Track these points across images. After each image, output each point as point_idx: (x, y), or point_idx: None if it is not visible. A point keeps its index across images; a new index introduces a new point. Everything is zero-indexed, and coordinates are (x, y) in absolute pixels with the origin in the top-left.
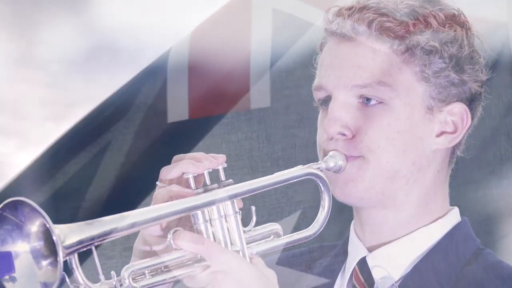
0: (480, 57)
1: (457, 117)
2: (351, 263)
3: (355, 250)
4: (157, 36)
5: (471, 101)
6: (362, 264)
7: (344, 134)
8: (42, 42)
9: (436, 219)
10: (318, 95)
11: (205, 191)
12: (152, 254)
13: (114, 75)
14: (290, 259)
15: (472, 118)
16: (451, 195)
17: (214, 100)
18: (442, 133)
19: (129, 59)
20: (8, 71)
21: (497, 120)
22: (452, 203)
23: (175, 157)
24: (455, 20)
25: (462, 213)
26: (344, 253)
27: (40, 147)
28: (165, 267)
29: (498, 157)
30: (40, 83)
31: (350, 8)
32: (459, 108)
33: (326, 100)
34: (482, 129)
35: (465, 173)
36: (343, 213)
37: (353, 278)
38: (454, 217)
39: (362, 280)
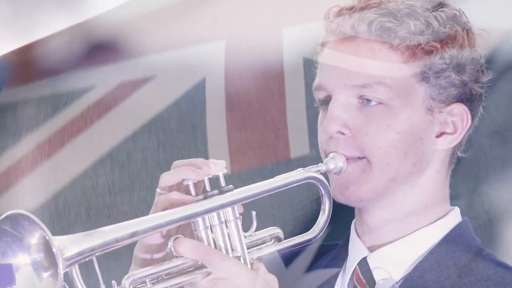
0: (481, 58)
1: (457, 117)
2: (351, 263)
3: (356, 250)
4: (157, 36)
5: (471, 102)
6: (363, 264)
7: (343, 133)
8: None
9: (436, 220)
10: (318, 95)
11: (206, 197)
12: (152, 261)
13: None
14: (290, 259)
15: (473, 119)
16: (455, 194)
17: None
18: (442, 133)
19: (128, 59)
20: None
21: (502, 119)
22: (455, 203)
23: (175, 163)
24: (456, 21)
25: (465, 213)
26: (345, 253)
27: None
28: (166, 274)
29: (504, 158)
30: None
31: (350, 8)
32: (459, 109)
33: (327, 100)
34: (487, 128)
35: (468, 173)
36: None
37: (354, 278)
38: (454, 217)
39: (363, 280)
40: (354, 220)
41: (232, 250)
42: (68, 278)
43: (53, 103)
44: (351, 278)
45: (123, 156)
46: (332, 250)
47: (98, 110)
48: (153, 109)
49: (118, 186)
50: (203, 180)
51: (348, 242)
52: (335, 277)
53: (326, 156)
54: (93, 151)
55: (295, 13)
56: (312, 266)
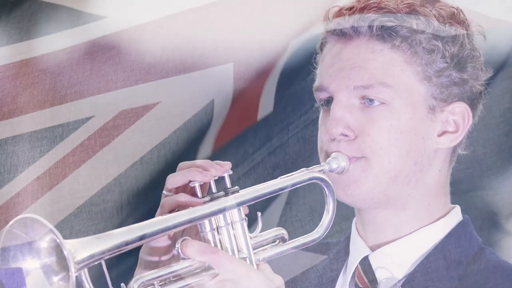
0: (480, 56)
1: (458, 116)
2: (353, 261)
3: (357, 249)
4: (157, 37)
5: (472, 100)
6: (365, 263)
7: (346, 135)
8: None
9: (438, 218)
10: (320, 96)
11: (212, 199)
12: (158, 264)
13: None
14: (292, 257)
15: (473, 117)
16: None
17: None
18: (443, 132)
19: (129, 59)
20: None
21: (500, 119)
22: (455, 202)
23: (180, 165)
24: (455, 19)
25: (465, 212)
26: (346, 251)
27: None
28: (174, 276)
29: (503, 156)
30: None
31: (350, 8)
32: (460, 108)
33: (328, 101)
34: (487, 128)
35: (469, 172)
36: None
37: (356, 276)
38: (455, 216)
39: (365, 279)
40: (354, 219)
41: (239, 251)
42: (76, 281)
43: (49, 135)
44: (352, 277)
45: (131, 180)
46: (333, 248)
47: (100, 139)
48: (162, 132)
49: (127, 208)
50: (209, 182)
51: (349, 240)
52: (336, 275)
53: (327, 156)
54: (100, 178)
55: (303, 31)
56: (313, 263)
